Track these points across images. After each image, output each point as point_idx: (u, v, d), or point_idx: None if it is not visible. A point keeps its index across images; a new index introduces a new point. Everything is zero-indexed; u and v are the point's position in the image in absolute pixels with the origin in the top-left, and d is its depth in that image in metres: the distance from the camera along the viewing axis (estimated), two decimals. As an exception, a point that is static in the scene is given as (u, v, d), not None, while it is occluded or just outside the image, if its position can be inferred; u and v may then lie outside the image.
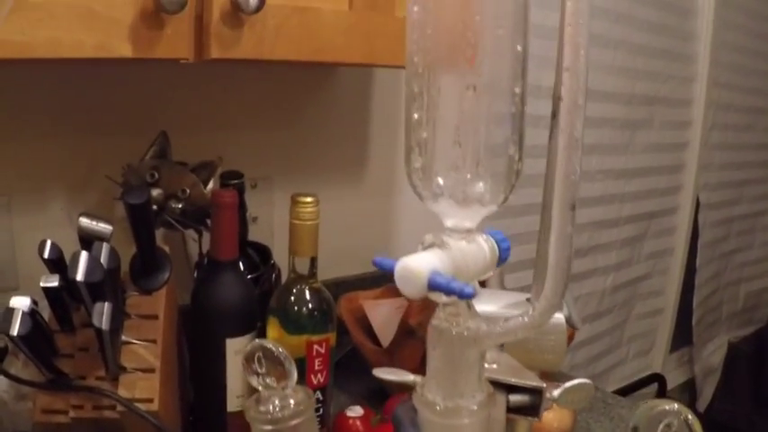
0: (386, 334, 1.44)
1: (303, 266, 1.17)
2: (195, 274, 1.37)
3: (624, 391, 2.96)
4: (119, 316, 1.01)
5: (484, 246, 0.72)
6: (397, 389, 1.34)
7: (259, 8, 0.98)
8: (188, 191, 1.25)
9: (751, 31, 3.26)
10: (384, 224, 1.88)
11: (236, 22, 1.00)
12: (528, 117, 0.72)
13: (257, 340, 0.91)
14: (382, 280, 1.61)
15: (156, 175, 1.24)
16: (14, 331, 0.89)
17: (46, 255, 0.99)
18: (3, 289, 1.23)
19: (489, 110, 0.70)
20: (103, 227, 1.05)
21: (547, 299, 0.67)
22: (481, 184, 0.71)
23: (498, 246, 0.73)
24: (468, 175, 0.70)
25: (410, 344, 1.38)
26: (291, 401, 0.90)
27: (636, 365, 3.20)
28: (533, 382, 0.85)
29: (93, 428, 1.01)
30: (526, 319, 0.69)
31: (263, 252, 1.44)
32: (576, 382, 0.86)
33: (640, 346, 3.22)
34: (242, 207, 1.31)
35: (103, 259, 0.97)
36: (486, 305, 0.87)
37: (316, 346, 1.18)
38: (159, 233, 1.24)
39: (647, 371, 3.26)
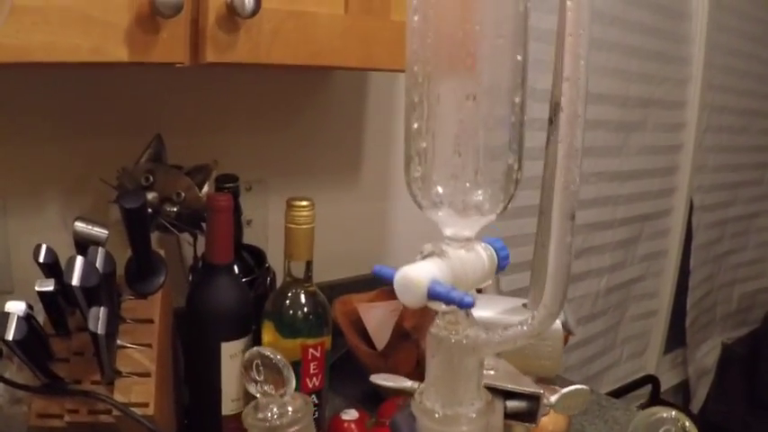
0: (380, 337, 1.44)
1: (298, 270, 1.17)
2: (190, 278, 1.37)
3: (618, 393, 2.97)
4: (114, 320, 1.01)
5: (483, 254, 0.73)
6: (391, 392, 1.33)
7: (255, 12, 0.98)
8: (183, 194, 1.25)
9: (745, 34, 3.27)
10: (379, 227, 1.88)
11: (231, 26, 1.00)
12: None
13: (255, 348, 0.91)
14: (377, 283, 1.61)
15: (151, 179, 1.24)
16: (10, 336, 0.89)
17: (41, 259, 0.99)
18: (-3, 292, 1.23)
19: (489, 119, 0.70)
20: (99, 231, 1.05)
21: (546, 307, 0.67)
22: (480, 193, 0.71)
23: (497, 254, 0.73)
24: (468, 184, 0.70)
25: (405, 347, 1.38)
26: (289, 409, 0.91)
27: (630, 367, 3.21)
28: (531, 388, 0.86)
29: (88, 433, 1.01)
30: (525, 327, 0.69)
31: (258, 255, 1.44)
32: (572, 388, 0.86)
33: (634, 347, 3.22)
34: (237, 210, 1.31)
35: (99, 264, 0.97)
36: (483, 311, 0.88)
37: (311, 350, 1.18)
38: (154, 236, 1.24)
39: (641, 372, 3.27)
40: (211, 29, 0.98)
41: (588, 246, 2.70)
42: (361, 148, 1.79)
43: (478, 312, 0.69)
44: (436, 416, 0.76)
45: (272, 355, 0.89)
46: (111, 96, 1.34)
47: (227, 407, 1.19)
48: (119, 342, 1.04)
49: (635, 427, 1.01)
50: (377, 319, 1.49)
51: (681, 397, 3.62)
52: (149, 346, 1.05)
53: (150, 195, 1.23)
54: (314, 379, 1.19)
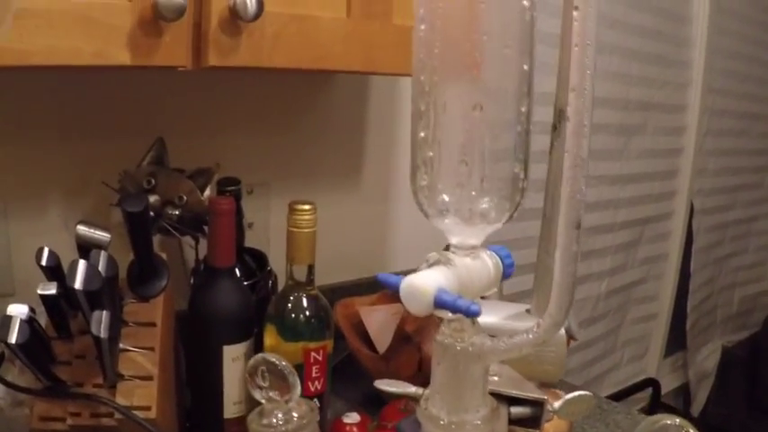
0: (382, 340, 1.43)
1: (300, 273, 1.17)
2: (192, 281, 1.37)
3: (618, 396, 2.97)
4: (117, 324, 1.01)
5: (488, 262, 0.73)
6: (394, 397, 1.34)
7: (257, 16, 0.98)
8: (185, 197, 1.25)
9: (745, 37, 3.27)
10: (380, 230, 1.88)
11: (234, 29, 1.00)
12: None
13: (260, 354, 0.91)
14: (378, 286, 1.61)
15: (153, 182, 1.24)
16: (12, 339, 0.89)
17: (43, 262, 0.99)
18: (-1, 295, 1.23)
19: (495, 128, 0.70)
20: (101, 235, 1.05)
21: (552, 316, 0.67)
22: (486, 201, 0.71)
23: (502, 261, 0.74)
24: (474, 193, 0.71)
25: (406, 350, 1.38)
26: (294, 414, 0.91)
27: (630, 370, 3.21)
28: (534, 394, 0.86)
29: (90, 436, 1.01)
30: (531, 336, 0.69)
31: (260, 258, 1.44)
32: (576, 394, 0.86)
33: (635, 350, 3.23)
34: (238, 213, 1.31)
35: (101, 267, 0.97)
36: (487, 316, 0.88)
37: (313, 354, 1.18)
38: (156, 239, 1.24)
39: (642, 375, 3.26)
40: (214, 32, 0.98)
41: (589, 249, 2.70)
42: (362, 151, 1.79)
43: (482, 318, 0.69)
44: (442, 423, 0.76)
45: (277, 362, 0.89)
46: (113, 99, 1.34)
47: (229, 410, 1.19)
48: (121, 345, 1.04)
49: (640, 434, 1.01)
50: (378, 322, 1.49)
51: (681, 400, 3.62)
52: (151, 349, 1.05)
53: (152, 198, 1.23)
54: (316, 382, 1.19)
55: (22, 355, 0.92)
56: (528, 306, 1.04)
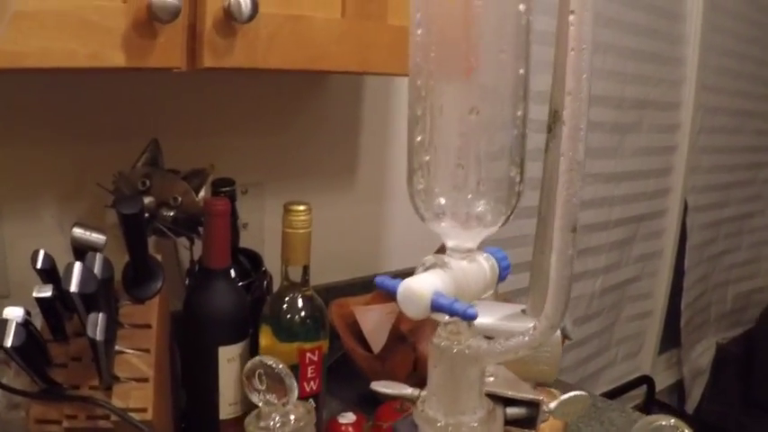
0: (377, 340, 1.44)
1: (296, 274, 1.18)
2: (187, 282, 1.37)
3: (613, 394, 2.97)
4: (112, 326, 1.00)
5: (484, 265, 0.73)
6: (389, 397, 1.34)
7: (252, 17, 0.98)
8: (180, 199, 1.25)
9: (739, 35, 3.28)
10: (375, 230, 1.88)
11: (228, 31, 1.00)
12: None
13: (257, 358, 0.91)
14: (373, 286, 1.61)
15: (148, 183, 1.23)
16: (8, 343, 0.89)
17: (39, 265, 0.99)
18: (-6, 297, 1.23)
19: (491, 133, 0.70)
20: (97, 237, 1.04)
21: (548, 319, 0.67)
22: (482, 203, 0.71)
23: (498, 264, 0.74)
24: (470, 196, 0.71)
25: (401, 350, 1.38)
26: (292, 417, 0.91)
27: (625, 367, 3.21)
28: (530, 395, 0.86)
29: (86, 438, 1.01)
30: (527, 338, 0.70)
31: (255, 259, 1.44)
32: (572, 394, 0.86)
33: (629, 348, 3.23)
34: (233, 214, 1.31)
35: (97, 270, 0.97)
36: (483, 317, 0.88)
37: (308, 354, 1.18)
38: (151, 241, 1.23)
39: (636, 373, 3.27)
40: (209, 34, 0.98)
41: (584, 247, 2.70)
42: (357, 151, 1.79)
43: (478, 319, 0.69)
44: (439, 424, 0.76)
45: (274, 365, 0.89)
46: (107, 101, 1.34)
47: (225, 411, 1.19)
48: (117, 347, 1.03)
49: (635, 434, 1.01)
50: (373, 321, 1.49)
51: (676, 397, 3.63)
52: (147, 351, 1.05)
53: (147, 200, 1.23)
54: (311, 383, 1.20)
55: (17, 357, 0.92)
56: (523, 306, 1.04)
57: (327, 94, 1.69)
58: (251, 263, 1.43)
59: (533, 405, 0.86)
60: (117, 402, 0.99)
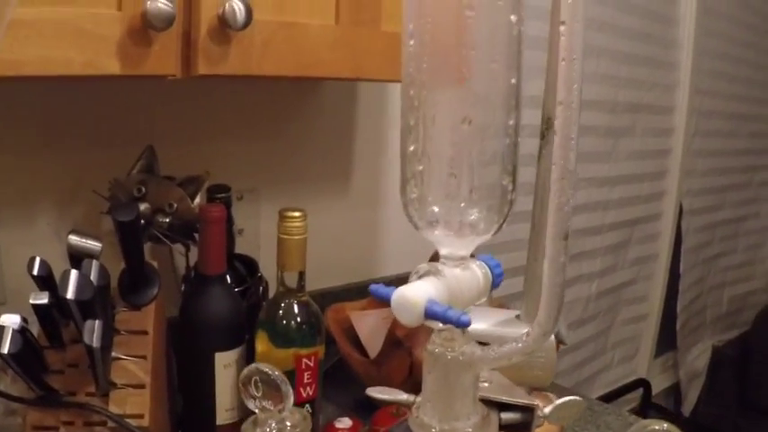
0: (373, 345, 1.44)
1: (291, 280, 1.18)
2: (183, 288, 1.37)
3: (609, 397, 2.97)
4: (109, 332, 1.01)
5: (478, 272, 0.74)
6: (385, 403, 1.34)
7: (246, 24, 0.98)
8: (175, 205, 1.25)
9: (732, 39, 3.29)
10: (370, 235, 1.89)
11: (223, 38, 1.00)
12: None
13: (254, 365, 0.91)
14: (368, 290, 1.61)
15: (144, 190, 1.24)
16: (5, 350, 0.89)
17: (35, 272, 0.99)
18: (-10, 303, 1.23)
19: (484, 142, 0.71)
20: (93, 244, 1.05)
21: (540, 325, 0.68)
22: (475, 212, 0.72)
23: (491, 271, 0.74)
24: (463, 204, 0.71)
25: (398, 354, 1.39)
26: (288, 424, 0.91)
27: (621, 371, 3.22)
28: (525, 400, 0.86)
29: (83, 445, 1.01)
30: (520, 344, 0.70)
31: (250, 265, 1.44)
32: (566, 399, 0.87)
33: (625, 351, 3.23)
34: (229, 220, 1.31)
35: (93, 277, 0.97)
36: (477, 323, 0.88)
37: (304, 360, 1.18)
38: (146, 247, 1.24)
39: (632, 376, 3.27)
40: (203, 41, 0.98)
41: (579, 251, 2.70)
42: (351, 156, 1.79)
43: (472, 325, 0.70)
44: (433, 430, 0.77)
45: (270, 372, 0.90)
46: (102, 108, 1.34)
47: (222, 417, 1.19)
48: (113, 354, 1.04)
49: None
50: (369, 326, 1.49)
51: (672, 400, 3.63)
52: (144, 357, 1.05)
53: (142, 206, 1.23)
54: (307, 388, 1.20)
55: (14, 364, 0.92)
56: (518, 312, 1.04)
57: (322, 101, 1.69)
58: (247, 269, 1.43)
59: (528, 410, 0.86)
60: (114, 409, 1.00)
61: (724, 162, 3.49)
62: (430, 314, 0.66)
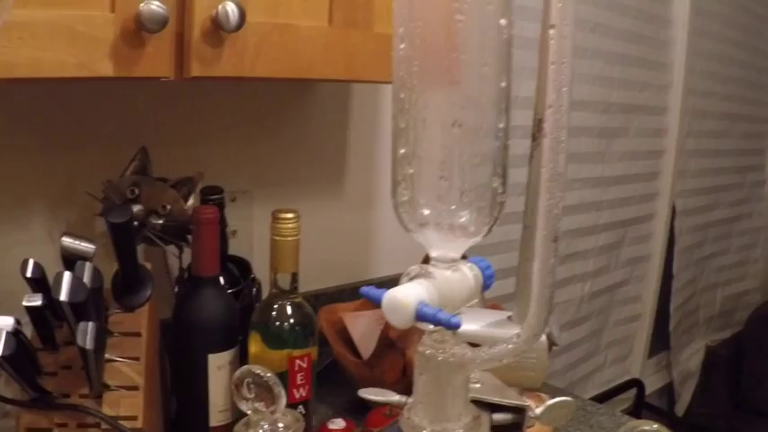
0: (366, 346, 1.44)
1: (284, 282, 1.18)
2: (176, 290, 1.37)
3: (603, 398, 2.97)
4: (102, 334, 1.01)
5: (468, 274, 0.74)
6: (378, 404, 1.34)
7: (240, 26, 0.98)
8: (168, 207, 1.25)
9: (725, 39, 3.29)
10: (363, 237, 1.89)
11: (216, 40, 1.00)
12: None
13: (246, 366, 0.92)
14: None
15: (137, 192, 1.24)
16: (-1, 353, 0.89)
17: (28, 274, 0.99)
18: (-18, 305, 1.23)
19: (474, 145, 0.71)
20: (86, 246, 1.05)
21: (531, 327, 0.68)
22: (466, 214, 0.72)
23: (482, 273, 0.75)
24: (453, 206, 0.72)
25: (390, 356, 1.39)
26: (280, 425, 0.91)
27: (614, 371, 3.22)
28: (516, 400, 0.86)
29: (77, 446, 1.01)
30: (511, 346, 0.70)
31: (243, 266, 1.44)
32: (558, 400, 0.87)
33: (618, 351, 3.24)
34: (222, 222, 1.32)
35: (86, 279, 0.97)
36: (469, 324, 0.89)
37: (297, 361, 1.18)
38: (140, 249, 1.24)
39: (626, 376, 3.28)
40: (196, 43, 0.98)
41: (572, 251, 2.71)
42: (344, 157, 1.79)
43: (464, 326, 0.70)
44: (425, 432, 0.77)
45: (262, 374, 0.90)
46: (96, 110, 1.34)
47: (215, 418, 1.19)
48: (107, 356, 1.04)
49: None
50: (362, 328, 1.49)
51: (666, 400, 3.64)
52: (137, 359, 1.05)
53: (136, 208, 1.23)
54: (300, 390, 1.20)
55: (8, 366, 0.92)
56: (510, 313, 1.04)
57: (315, 102, 1.69)
58: (240, 270, 1.43)
59: (519, 411, 0.86)
60: (107, 410, 1.00)
61: (717, 162, 3.50)
62: (420, 316, 0.67)
